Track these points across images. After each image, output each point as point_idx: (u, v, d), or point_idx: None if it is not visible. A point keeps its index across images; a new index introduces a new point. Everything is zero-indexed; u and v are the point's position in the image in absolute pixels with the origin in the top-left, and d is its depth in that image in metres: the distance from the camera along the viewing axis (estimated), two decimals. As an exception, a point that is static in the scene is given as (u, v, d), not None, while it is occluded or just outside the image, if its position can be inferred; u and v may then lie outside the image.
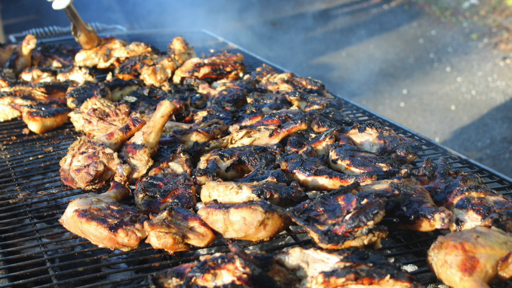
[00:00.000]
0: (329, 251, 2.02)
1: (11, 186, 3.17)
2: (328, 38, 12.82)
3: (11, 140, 3.70)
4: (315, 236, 2.10)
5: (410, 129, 3.66)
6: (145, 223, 2.32)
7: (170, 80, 4.41)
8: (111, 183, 2.83)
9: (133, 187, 2.88)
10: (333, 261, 1.98)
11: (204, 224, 2.37)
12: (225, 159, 2.94)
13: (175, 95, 3.87)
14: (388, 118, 3.92)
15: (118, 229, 2.36)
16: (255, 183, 2.54)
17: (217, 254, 2.02)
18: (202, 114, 3.55)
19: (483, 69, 10.44)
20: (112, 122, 3.47)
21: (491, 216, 2.22)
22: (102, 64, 4.71)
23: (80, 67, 4.39)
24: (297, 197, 2.50)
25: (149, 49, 4.63)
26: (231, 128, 3.33)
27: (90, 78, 4.30)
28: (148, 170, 2.92)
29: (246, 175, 2.83)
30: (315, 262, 2.01)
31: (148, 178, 2.83)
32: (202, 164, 2.95)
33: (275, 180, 2.58)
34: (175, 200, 2.63)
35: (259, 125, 3.26)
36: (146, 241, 2.36)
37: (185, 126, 3.30)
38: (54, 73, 4.47)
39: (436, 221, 2.23)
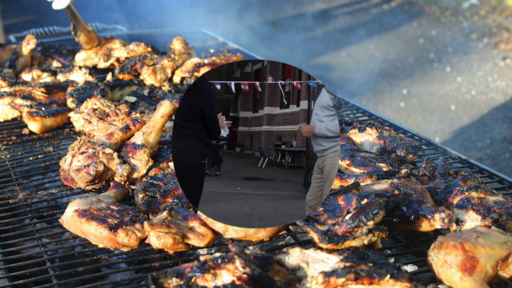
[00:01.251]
0: (329, 251, 2.02)
1: (11, 186, 3.17)
2: (328, 38, 12.81)
3: (11, 140, 3.69)
4: (315, 236, 2.10)
5: (410, 129, 3.66)
6: (145, 223, 2.32)
7: (170, 80, 4.41)
8: (111, 183, 2.83)
9: (133, 187, 2.87)
10: (333, 261, 1.98)
11: (204, 224, 2.37)
12: (225, 159, 2.94)
13: (175, 95, 3.87)
14: (388, 118, 3.91)
15: (118, 229, 2.36)
16: (255, 183, 2.54)
17: (217, 254, 2.02)
18: (202, 114, 3.54)
19: (483, 69, 10.44)
20: (112, 122, 3.47)
21: (491, 216, 2.21)
22: (102, 64, 4.71)
23: (80, 67, 4.39)
24: (297, 197, 2.49)
25: (149, 49, 4.62)
26: (231, 128, 3.33)
27: (90, 78, 4.29)
28: (148, 170, 2.92)
29: (246, 175, 2.83)
30: (315, 262, 2.01)
31: (148, 178, 2.83)
32: (202, 164, 2.94)
33: (275, 180, 2.58)
34: (175, 200, 2.63)
35: (259, 125, 3.26)
36: (146, 241, 2.35)
37: (185, 126, 3.30)
38: (54, 73, 4.46)
39: (436, 221, 2.23)
